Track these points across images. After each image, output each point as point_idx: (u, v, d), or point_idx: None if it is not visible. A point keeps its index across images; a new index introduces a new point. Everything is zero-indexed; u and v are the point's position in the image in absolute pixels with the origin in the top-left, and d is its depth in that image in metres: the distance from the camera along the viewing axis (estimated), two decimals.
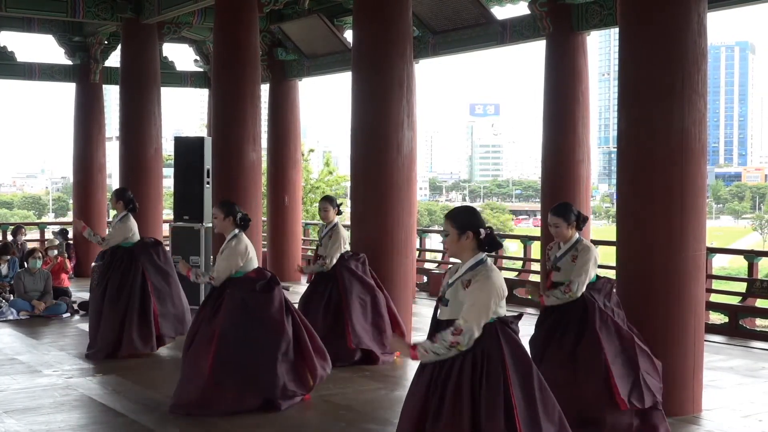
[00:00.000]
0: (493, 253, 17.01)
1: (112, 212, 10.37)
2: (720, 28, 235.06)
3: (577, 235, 6.60)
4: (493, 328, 4.60)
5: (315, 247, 9.68)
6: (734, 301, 11.93)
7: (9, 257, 13.65)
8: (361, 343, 8.98)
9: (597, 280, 6.59)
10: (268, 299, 7.31)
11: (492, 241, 4.68)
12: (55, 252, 13.94)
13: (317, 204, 10.32)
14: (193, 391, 7.15)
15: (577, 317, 6.38)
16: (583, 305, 6.40)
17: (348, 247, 9.41)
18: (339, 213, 9.41)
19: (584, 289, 6.41)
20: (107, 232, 9.88)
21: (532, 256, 14.89)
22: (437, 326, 4.74)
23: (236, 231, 7.37)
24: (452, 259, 4.97)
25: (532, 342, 6.56)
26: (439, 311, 4.79)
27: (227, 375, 7.15)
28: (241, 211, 7.43)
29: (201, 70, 18.69)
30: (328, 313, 9.09)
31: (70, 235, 17.60)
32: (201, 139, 13.50)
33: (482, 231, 4.64)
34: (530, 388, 4.60)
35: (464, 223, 4.66)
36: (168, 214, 20.31)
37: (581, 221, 6.64)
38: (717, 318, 12.02)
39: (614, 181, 7.96)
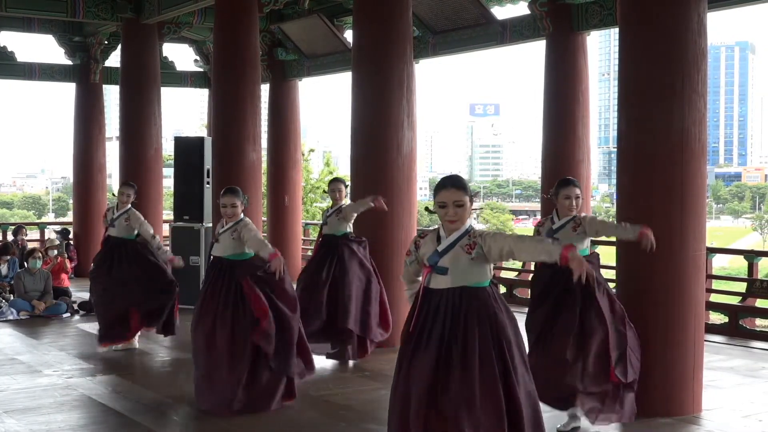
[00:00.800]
0: None
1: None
2: (720, 28, 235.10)
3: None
4: (491, 291, 4.73)
5: (319, 228, 9.65)
6: (734, 301, 11.92)
7: (9, 257, 13.66)
8: (347, 323, 8.97)
9: (588, 254, 6.68)
10: (280, 280, 7.21)
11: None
12: (55, 252, 13.94)
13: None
14: (233, 387, 7.08)
15: (578, 290, 6.34)
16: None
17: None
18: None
19: None
20: (117, 227, 9.87)
21: None
22: (429, 295, 4.72)
23: (242, 215, 7.37)
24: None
25: (532, 322, 6.61)
26: (431, 281, 4.73)
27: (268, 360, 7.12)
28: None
29: (201, 70, 18.69)
30: (331, 296, 9.08)
31: (71, 234, 17.61)
32: (201, 139, 13.50)
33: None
34: (521, 347, 4.74)
35: (470, 190, 4.74)
36: (168, 214, 20.30)
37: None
38: (717, 318, 12.02)
39: (614, 181, 7.98)
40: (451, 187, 4.68)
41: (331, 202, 9.66)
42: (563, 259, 4.39)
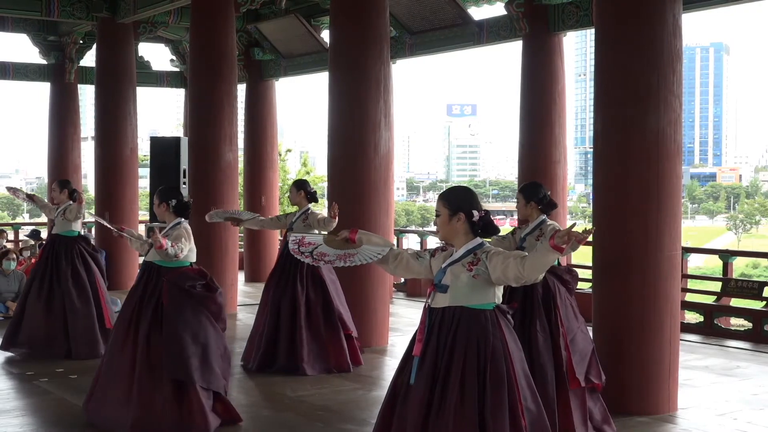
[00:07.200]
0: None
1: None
2: (695, 29, 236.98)
3: (543, 216, 6.61)
4: (493, 316, 4.43)
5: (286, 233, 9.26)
6: (709, 300, 12.00)
7: None
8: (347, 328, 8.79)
9: (559, 265, 6.65)
10: (210, 297, 6.60)
11: (487, 226, 4.47)
12: (29, 253, 13.83)
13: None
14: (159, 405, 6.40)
15: (539, 301, 6.31)
16: (545, 287, 6.36)
17: None
18: (312, 200, 9.03)
19: None
20: (73, 220, 9.61)
21: None
22: (429, 315, 4.50)
23: (179, 219, 6.69)
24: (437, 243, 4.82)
25: None
26: (433, 299, 4.51)
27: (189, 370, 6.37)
28: (176, 198, 6.73)
29: (177, 69, 18.60)
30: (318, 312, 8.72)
31: (43, 235, 17.46)
32: (177, 139, 13.45)
33: (475, 213, 4.42)
34: (529, 381, 4.48)
35: (456, 203, 4.45)
36: (144, 214, 20.20)
37: (546, 205, 6.61)
38: (692, 317, 12.09)
39: (591, 182, 8.00)
40: (439, 196, 4.51)
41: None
42: (557, 249, 4.10)
